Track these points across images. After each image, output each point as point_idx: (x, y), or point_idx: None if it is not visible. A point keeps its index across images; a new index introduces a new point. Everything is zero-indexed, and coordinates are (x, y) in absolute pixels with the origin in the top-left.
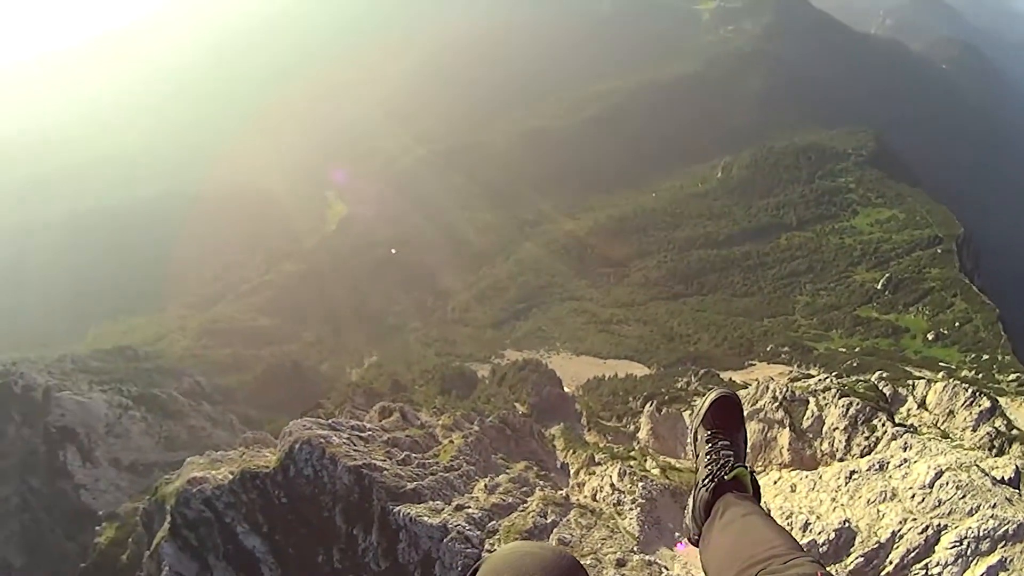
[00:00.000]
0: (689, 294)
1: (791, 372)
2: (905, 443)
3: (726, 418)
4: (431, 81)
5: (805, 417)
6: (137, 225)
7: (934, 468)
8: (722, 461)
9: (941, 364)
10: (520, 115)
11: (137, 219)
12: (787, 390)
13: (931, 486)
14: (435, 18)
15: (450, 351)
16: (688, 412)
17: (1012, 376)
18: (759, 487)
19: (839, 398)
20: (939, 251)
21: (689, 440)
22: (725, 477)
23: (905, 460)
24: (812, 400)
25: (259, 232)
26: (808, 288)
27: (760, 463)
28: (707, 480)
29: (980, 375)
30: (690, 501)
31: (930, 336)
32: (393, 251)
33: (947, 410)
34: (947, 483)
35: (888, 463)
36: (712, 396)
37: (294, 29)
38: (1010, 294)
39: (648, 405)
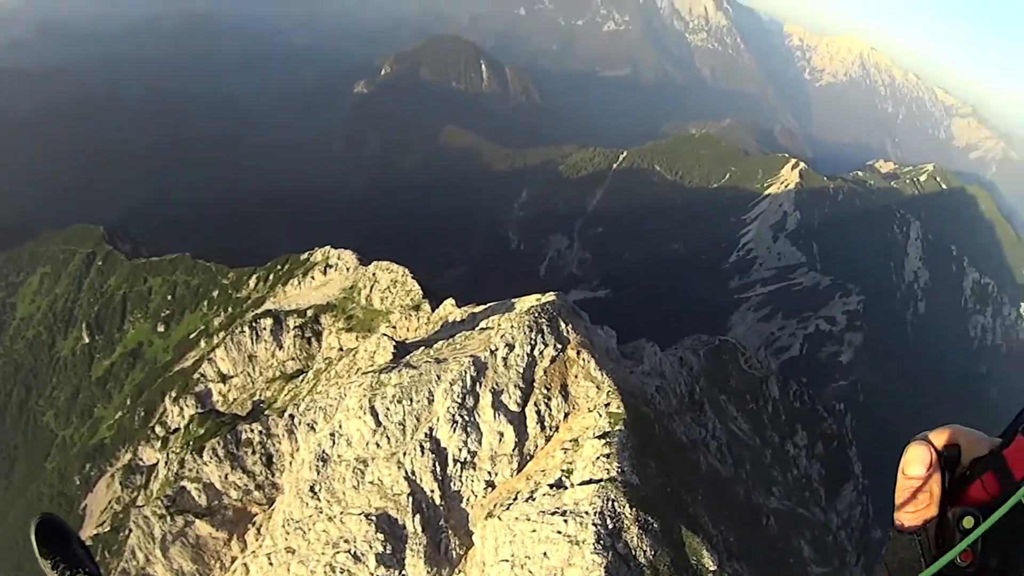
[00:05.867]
0: None
1: (113, 477)
2: (292, 425)
3: (51, 539)
4: None
5: (199, 500)
6: None
7: (357, 408)
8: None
9: (193, 337)
10: None
11: None
12: (161, 503)
13: (379, 424)
14: None
15: None
16: None
17: (252, 282)
18: None
19: (199, 455)
20: (100, 263)
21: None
22: None
23: (334, 433)
24: (187, 483)
25: None
26: (42, 403)
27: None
28: None
29: (229, 308)
30: None
31: (160, 328)
32: None
33: (246, 358)
34: (385, 409)
35: (323, 449)
36: (32, 529)
37: None
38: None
39: None
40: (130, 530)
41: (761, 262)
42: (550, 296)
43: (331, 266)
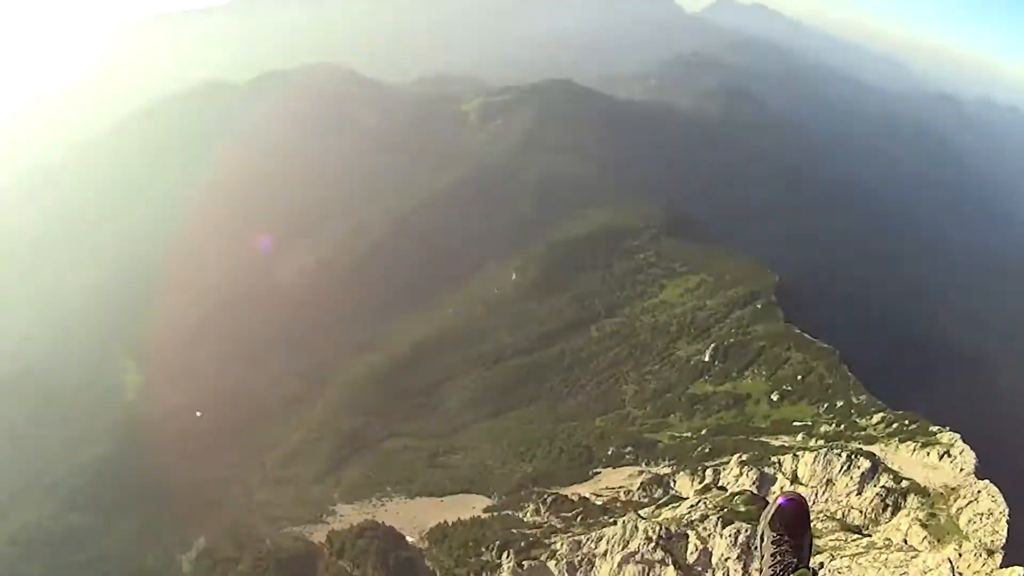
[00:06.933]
0: (510, 408)
1: (641, 474)
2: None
3: (792, 522)
4: None
5: (688, 552)
6: None
7: None
8: (786, 562)
9: (796, 424)
10: (303, 247)
11: None
12: (660, 529)
13: None
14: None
15: (280, 515)
16: (553, 561)
17: (876, 418)
18: None
19: (722, 527)
20: (759, 306)
21: (755, 543)
22: None
23: None
24: (692, 533)
25: None
26: (633, 375)
27: None
28: None
29: (841, 425)
30: None
31: (774, 397)
32: (199, 414)
33: (824, 479)
34: None
35: None
36: (779, 499)
37: None
38: (840, 334)
39: (505, 557)
40: None
41: None
42: None
43: None
